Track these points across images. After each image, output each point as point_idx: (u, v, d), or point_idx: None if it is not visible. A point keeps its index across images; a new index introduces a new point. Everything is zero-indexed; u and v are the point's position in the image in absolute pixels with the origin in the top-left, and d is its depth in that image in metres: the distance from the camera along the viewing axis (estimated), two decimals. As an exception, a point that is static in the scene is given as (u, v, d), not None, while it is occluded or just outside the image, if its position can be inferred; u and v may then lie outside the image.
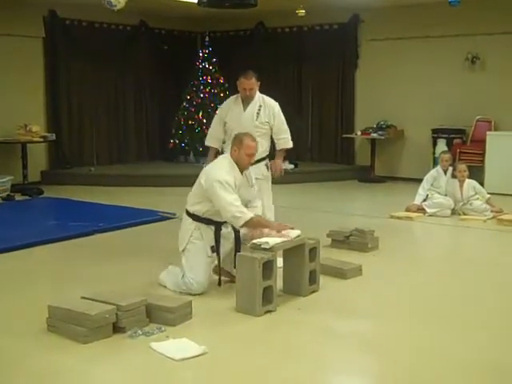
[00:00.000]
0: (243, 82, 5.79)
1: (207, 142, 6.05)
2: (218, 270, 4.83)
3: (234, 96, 6.00)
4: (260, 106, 5.85)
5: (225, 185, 4.55)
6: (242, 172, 4.77)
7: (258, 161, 5.60)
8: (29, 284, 5.09)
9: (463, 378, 3.44)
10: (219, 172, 4.64)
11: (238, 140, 4.77)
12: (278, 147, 6.02)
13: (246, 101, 5.83)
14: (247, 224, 4.54)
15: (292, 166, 11.05)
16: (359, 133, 11.18)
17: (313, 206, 8.69)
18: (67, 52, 10.90)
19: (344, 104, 11.67)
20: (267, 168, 5.87)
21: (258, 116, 5.79)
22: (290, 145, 6.10)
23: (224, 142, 5.92)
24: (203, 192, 4.68)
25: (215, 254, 4.76)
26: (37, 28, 10.41)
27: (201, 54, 11.83)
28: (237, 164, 4.73)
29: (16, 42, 10.09)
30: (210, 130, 6.06)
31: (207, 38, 11.87)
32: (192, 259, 4.73)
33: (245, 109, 5.82)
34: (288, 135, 6.03)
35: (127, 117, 11.92)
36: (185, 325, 4.10)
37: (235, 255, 4.63)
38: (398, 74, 10.97)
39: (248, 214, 4.53)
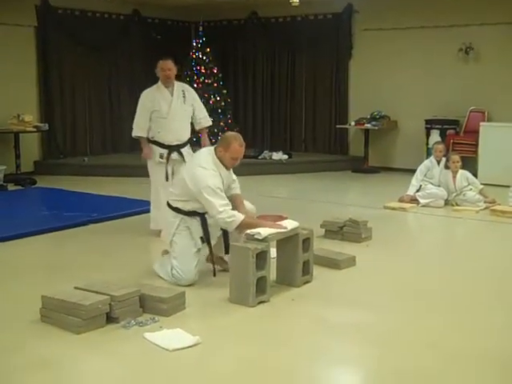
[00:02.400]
0: (163, 63, 6.17)
1: (138, 133, 6.26)
2: (212, 259, 4.83)
3: (154, 86, 6.30)
4: (183, 91, 6.27)
5: (215, 189, 4.52)
6: (227, 169, 4.72)
7: (185, 144, 6.21)
8: (22, 274, 5.08)
9: (459, 367, 3.45)
10: (206, 175, 4.57)
11: (226, 142, 4.67)
12: (199, 127, 6.44)
13: (168, 85, 6.19)
14: (240, 227, 4.54)
15: (286, 157, 11.06)
16: (353, 123, 11.18)
17: (306, 196, 8.69)
18: (60, 41, 10.84)
19: (338, 94, 11.66)
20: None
21: (184, 99, 6.22)
22: (210, 122, 6.57)
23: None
24: (191, 193, 4.63)
25: (205, 243, 4.75)
26: (29, 17, 10.34)
27: (194, 44, 11.77)
28: (221, 162, 4.68)
29: (8, 30, 10.02)
30: (136, 121, 6.27)
31: (201, 28, 11.81)
32: (179, 251, 4.73)
33: (172, 94, 6.18)
34: (207, 114, 6.50)
35: (120, 107, 11.84)
36: (178, 315, 4.11)
37: (224, 241, 4.72)
38: (392, 64, 10.96)
39: (239, 217, 4.53)
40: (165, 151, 6.14)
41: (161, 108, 6.12)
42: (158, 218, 6.13)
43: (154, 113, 6.14)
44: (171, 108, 6.14)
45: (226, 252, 4.78)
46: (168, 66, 6.14)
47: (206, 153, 4.79)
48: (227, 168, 4.73)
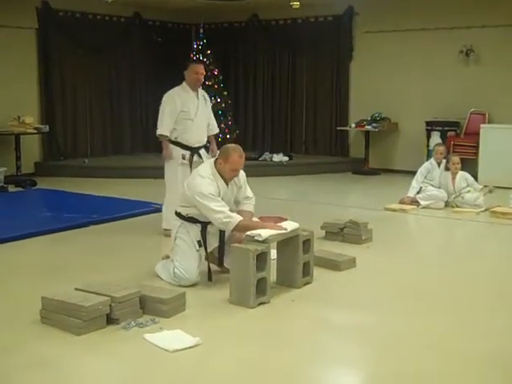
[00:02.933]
0: (197, 66, 6.29)
1: (165, 132, 6.24)
2: (208, 263, 4.82)
3: (178, 87, 6.34)
4: (203, 95, 6.39)
5: (208, 195, 4.55)
6: (226, 182, 4.74)
7: (201, 147, 6.30)
8: (22, 275, 5.09)
9: (459, 369, 3.45)
10: (201, 183, 4.61)
11: (225, 154, 4.71)
12: (209, 133, 6.50)
13: (195, 89, 6.27)
14: (237, 228, 4.55)
15: (286, 159, 11.07)
16: (353, 125, 11.19)
17: (307, 198, 8.69)
18: (61, 43, 10.86)
19: (338, 96, 11.67)
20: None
21: (206, 103, 6.36)
22: (218, 130, 6.71)
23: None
24: (189, 199, 4.69)
25: (202, 248, 4.78)
26: (30, 19, 10.36)
27: (195, 46, 11.78)
28: (220, 175, 4.71)
29: (9, 33, 10.04)
30: (163, 121, 6.23)
31: (201, 30, 11.82)
32: (181, 253, 4.75)
33: (197, 97, 6.28)
34: (215, 122, 6.63)
35: (121, 108, 11.88)
36: (178, 316, 4.11)
37: (219, 253, 4.78)
38: (393, 66, 10.96)
39: (236, 218, 4.55)
40: (187, 152, 6.21)
41: (189, 109, 6.19)
42: (169, 217, 6.18)
43: (181, 114, 6.18)
44: (198, 110, 6.24)
45: (220, 264, 4.85)
46: (202, 71, 6.27)
47: (207, 165, 4.84)
48: (226, 180, 4.74)
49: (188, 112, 6.17)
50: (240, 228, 4.55)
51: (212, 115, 6.54)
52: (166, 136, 6.23)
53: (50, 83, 10.78)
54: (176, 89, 6.30)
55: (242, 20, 12.43)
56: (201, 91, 6.41)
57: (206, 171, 4.72)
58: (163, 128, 6.23)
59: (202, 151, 6.33)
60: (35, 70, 10.65)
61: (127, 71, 11.96)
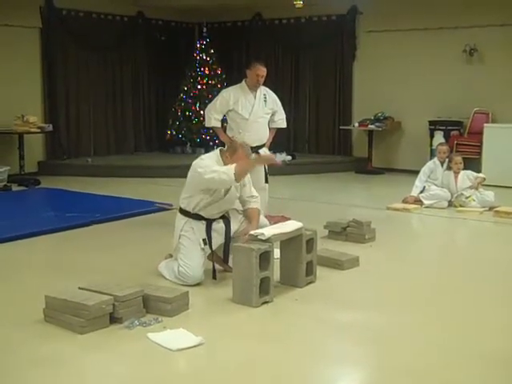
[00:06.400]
0: (260, 68, 6.20)
1: (210, 124, 6.34)
2: (212, 262, 4.83)
3: (238, 85, 6.34)
4: (265, 95, 6.34)
5: (206, 166, 4.61)
6: None
7: (260, 146, 6.28)
8: (26, 274, 5.09)
9: (461, 368, 3.45)
10: (204, 161, 4.71)
11: (233, 149, 4.79)
12: (274, 125, 6.54)
13: (254, 89, 6.24)
14: (237, 175, 4.54)
15: (289, 158, 11.05)
16: (356, 124, 11.18)
17: (310, 197, 8.69)
18: (64, 42, 10.87)
19: (341, 95, 11.66)
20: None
21: (265, 103, 6.32)
22: (285, 125, 6.71)
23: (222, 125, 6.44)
24: (191, 185, 4.73)
25: (207, 246, 4.79)
26: (33, 18, 10.36)
27: (198, 45, 11.80)
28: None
29: (12, 32, 10.04)
30: (212, 112, 6.30)
31: (205, 29, 11.84)
32: (185, 250, 4.76)
33: (255, 97, 6.26)
34: (285, 116, 6.63)
35: (124, 108, 11.89)
36: (182, 315, 4.11)
37: (224, 250, 4.79)
38: (396, 65, 10.95)
39: (231, 169, 4.56)
40: None
41: (242, 109, 6.22)
42: None
43: (233, 113, 6.24)
44: (253, 110, 6.25)
45: (225, 261, 4.86)
46: (263, 73, 6.22)
47: (212, 154, 4.88)
48: None
49: (239, 112, 6.21)
50: (239, 174, 4.56)
51: (280, 111, 6.52)
52: (217, 127, 6.29)
53: (53, 82, 10.78)
54: (235, 86, 6.34)
55: (245, 19, 12.41)
56: (263, 90, 6.38)
57: (210, 158, 4.78)
58: (208, 121, 6.32)
59: (262, 150, 6.35)
60: (39, 69, 10.65)
61: (130, 70, 11.96)
